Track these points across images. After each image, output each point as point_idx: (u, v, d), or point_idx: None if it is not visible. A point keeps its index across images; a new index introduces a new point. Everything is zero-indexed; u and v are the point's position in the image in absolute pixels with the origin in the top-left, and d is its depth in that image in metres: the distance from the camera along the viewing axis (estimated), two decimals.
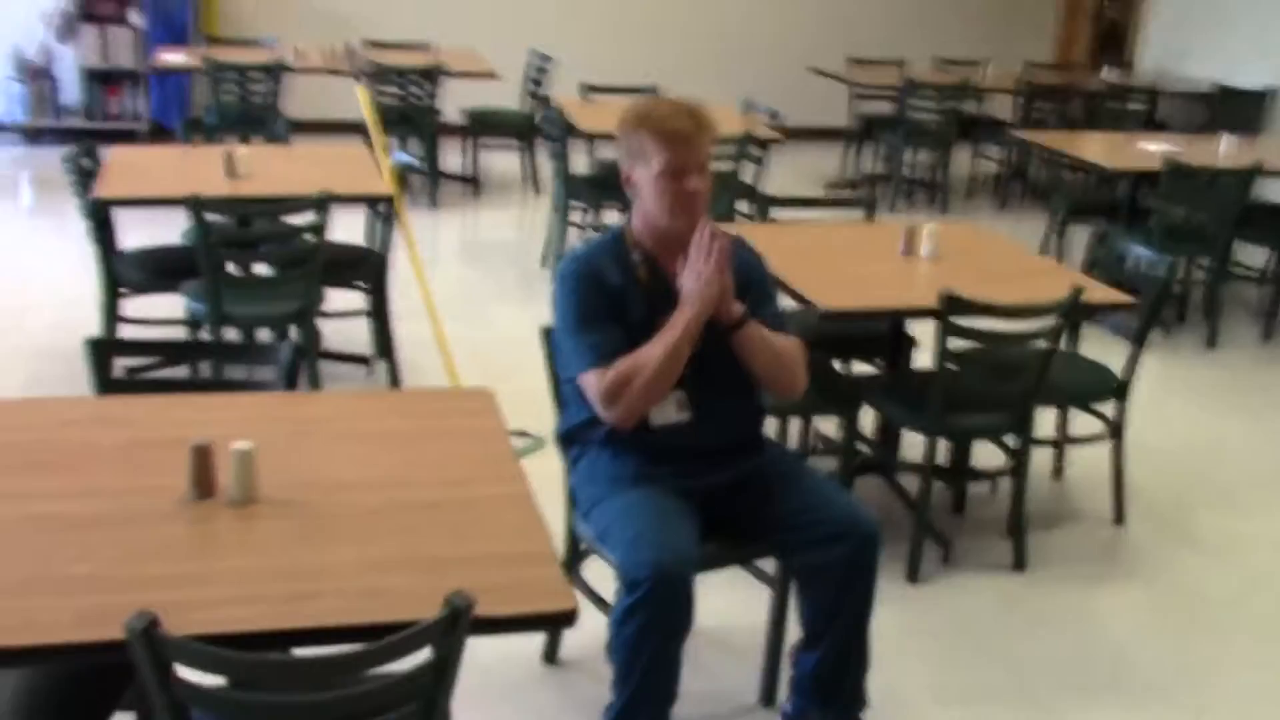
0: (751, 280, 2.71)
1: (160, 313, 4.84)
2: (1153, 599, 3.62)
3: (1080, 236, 5.51)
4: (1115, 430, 4.00)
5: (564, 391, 2.80)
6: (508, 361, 4.99)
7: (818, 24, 9.88)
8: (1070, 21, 10.73)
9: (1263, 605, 3.63)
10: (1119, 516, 4.05)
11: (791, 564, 2.76)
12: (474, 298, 5.98)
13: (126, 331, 4.57)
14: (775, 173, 7.26)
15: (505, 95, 8.16)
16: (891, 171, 8.30)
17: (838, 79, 8.56)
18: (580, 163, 6.57)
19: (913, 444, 3.98)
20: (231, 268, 4.36)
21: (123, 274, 4.50)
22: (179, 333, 4.55)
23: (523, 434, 4.32)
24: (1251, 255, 6.68)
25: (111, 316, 4.48)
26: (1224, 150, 6.20)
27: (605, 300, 2.62)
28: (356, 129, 7.43)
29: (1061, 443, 4.22)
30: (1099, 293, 3.69)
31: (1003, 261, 4.04)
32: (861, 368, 4.33)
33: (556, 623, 1.93)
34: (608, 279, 2.63)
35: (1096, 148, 6.40)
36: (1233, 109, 8.40)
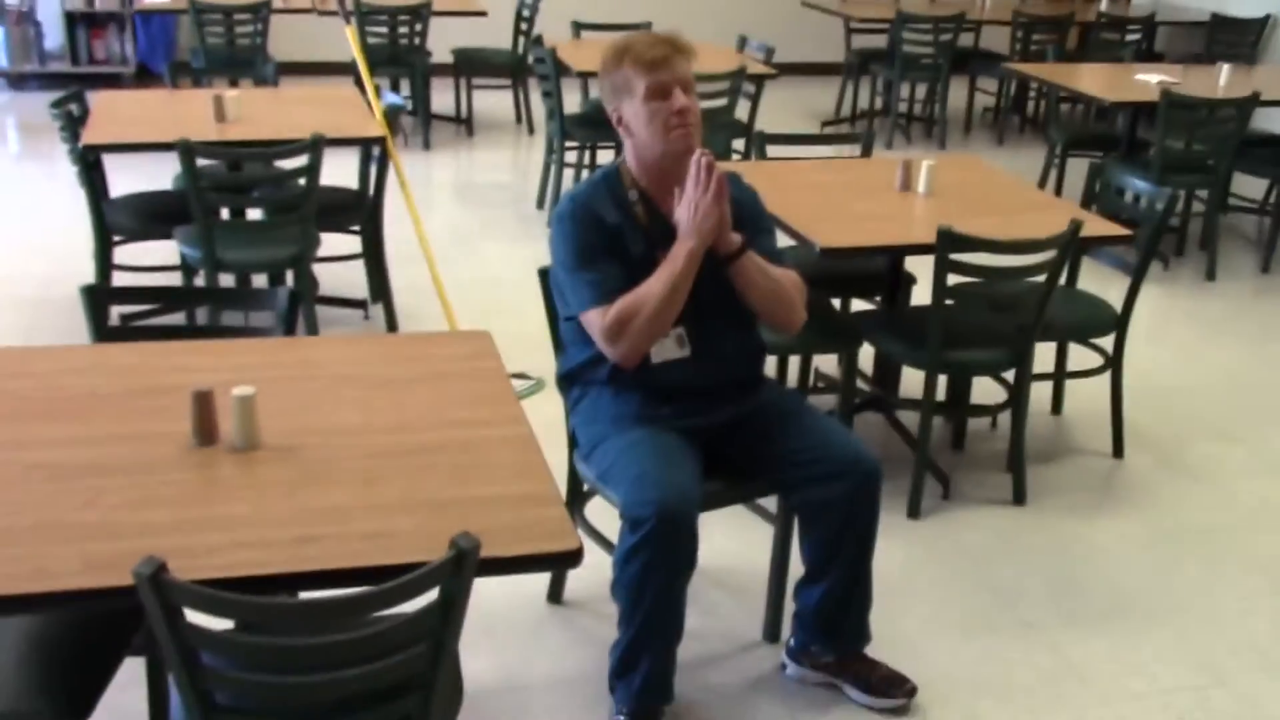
0: (747, 215, 2.69)
1: (154, 259, 4.82)
2: (1148, 530, 3.64)
3: (1079, 169, 5.48)
4: (1113, 364, 4.00)
5: (564, 332, 2.79)
6: (505, 303, 5.00)
7: None
8: None
9: (1253, 534, 3.66)
10: (1118, 450, 4.07)
11: (793, 502, 2.77)
12: (470, 239, 5.96)
13: (121, 279, 4.55)
14: (771, 110, 7.21)
15: (496, 34, 8.07)
16: (888, 106, 8.24)
17: (832, 13, 8.47)
18: (573, 102, 6.51)
19: (912, 380, 3.99)
20: (225, 213, 4.34)
21: (115, 221, 4.46)
22: (174, 279, 4.53)
23: (522, 376, 4.32)
24: (1250, 187, 6.66)
25: (105, 264, 4.45)
26: (1222, 81, 6.15)
27: (603, 239, 2.60)
28: (345, 69, 7.37)
29: (1060, 377, 4.23)
30: (1097, 226, 3.68)
31: (1001, 196, 4.02)
32: (860, 305, 4.32)
33: (561, 563, 1.93)
34: (605, 218, 2.61)
35: (1093, 80, 6.34)
36: (1229, 37, 8.33)
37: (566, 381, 2.82)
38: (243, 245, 4.17)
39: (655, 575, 2.43)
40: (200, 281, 4.19)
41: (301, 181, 4.05)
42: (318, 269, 4.59)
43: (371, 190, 4.71)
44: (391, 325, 4.74)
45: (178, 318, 4.29)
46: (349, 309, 4.89)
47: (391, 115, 4.57)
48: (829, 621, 2.77)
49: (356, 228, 4.76)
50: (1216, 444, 4.23)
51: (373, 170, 4.69)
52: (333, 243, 4.74)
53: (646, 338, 2.55)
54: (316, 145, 3.98)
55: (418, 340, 2.69)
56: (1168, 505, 3.79)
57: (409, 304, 4.89)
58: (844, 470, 2.62)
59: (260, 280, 4.62)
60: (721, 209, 2.51)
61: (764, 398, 2.77)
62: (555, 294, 2.78)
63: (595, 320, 2.55)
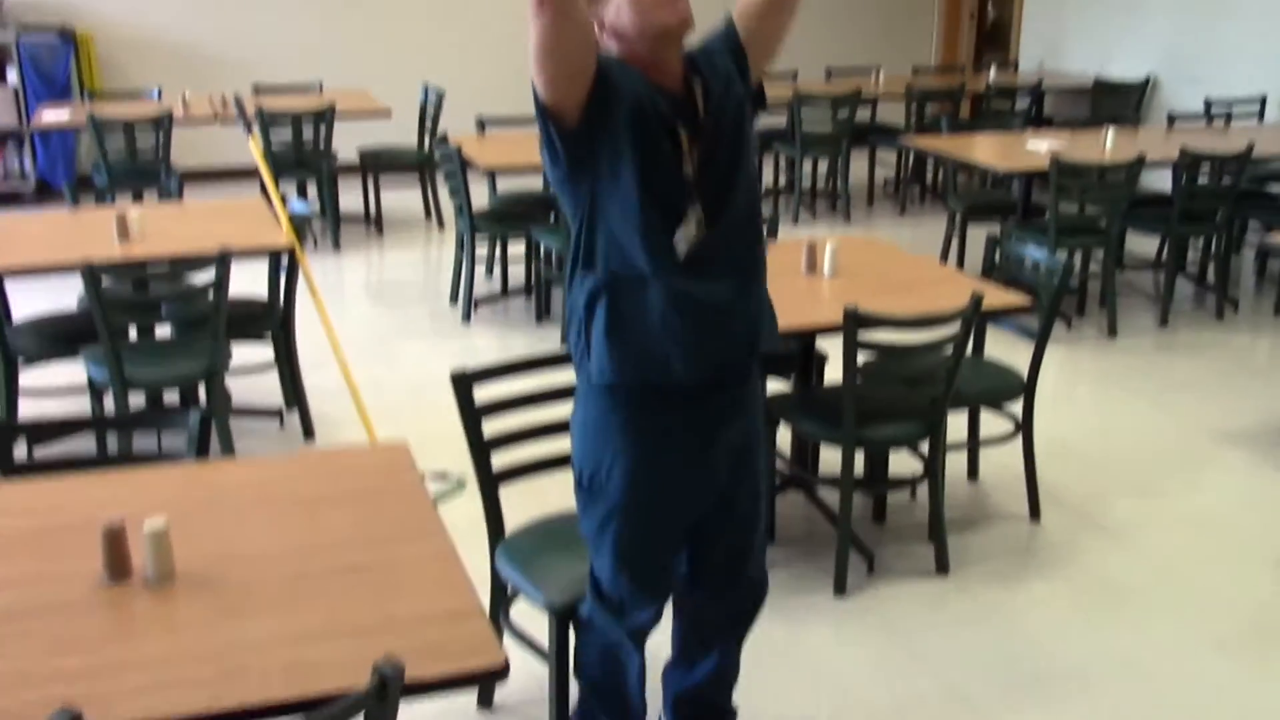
0: (718, 44, 2.44)
1: (61, 380, 4.74)
2: (1071, 591, 3.70)
3: (980, 235, 5.62)
4: (1024, 428, 4.09)
5: (579, 244, 2.38)
6: (423, 401, 4.99)
7: None
8: (952, 23, 10.96)
9: (1175, 589, 3.73)
10: (1034, 512, 4.14)
11: (684, 604, 2.73)
12: (385, 339, 5.94)
13: (27, 405, 4.47)
14: None
15: (401, 132, 8.13)
16: (792, 183, 8.40)
17: None
18: (481, 195, 6.56)
19: (831, 457, 4.03)
20: (133, 331, 4.29)
21: (18, 345, 4.39)
22: (82, 400, 4.46)
23: (441, 475, 4.30)
24: (1143, 244, 6.88)
25: (10, 391, 4.37)
26: (1108, 144, 6.37)
27: (614, 76, 2.26)
28: (251, 174, 7.37)
29: (974, 445, 4.31)
30: (998, 297, 3.78)
31: (903, 272, 4.11)
32: (775, 385, 4.38)
33: (487, 678, 1.92)
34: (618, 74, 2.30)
35: (986, 150, 6.54)
36: (1113, 100, 8.65)
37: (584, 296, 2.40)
38: (152, 363, 4.12)
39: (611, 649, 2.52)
40: (109, 401, 4.12)
41: (210, 296, 4.02)
42: (230, 380, 4.55)
43: (281, 298, 4.69)
44: (308, 432, 4.70)
45: (87, 444, 4.21)
46: (264, 418, 4.84)
47: (298, 223, 4.57)
48: (697, 704, 2.79)
49: (269, 336, 4.73)
50: (1131, 500, 4.32)
51: (282, 278, 4.68)
52: (245, 352, 4.71)
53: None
54: (224, 259, 3.96)
55: (332, 456, 2.67)
56: (1089, 565, 3.86)
57: (325, 408, 4.85)
58: (743, 592, 2.66)
59: (172, 395, 4.57)
60: None
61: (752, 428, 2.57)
62: (563, 202, 2.41)
63: None
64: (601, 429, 2.42)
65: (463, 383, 2.89)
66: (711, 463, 2.47)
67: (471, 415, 2.90)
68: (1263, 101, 7.71)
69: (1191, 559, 3.92)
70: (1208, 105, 7.67)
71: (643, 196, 2.27)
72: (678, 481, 2.46)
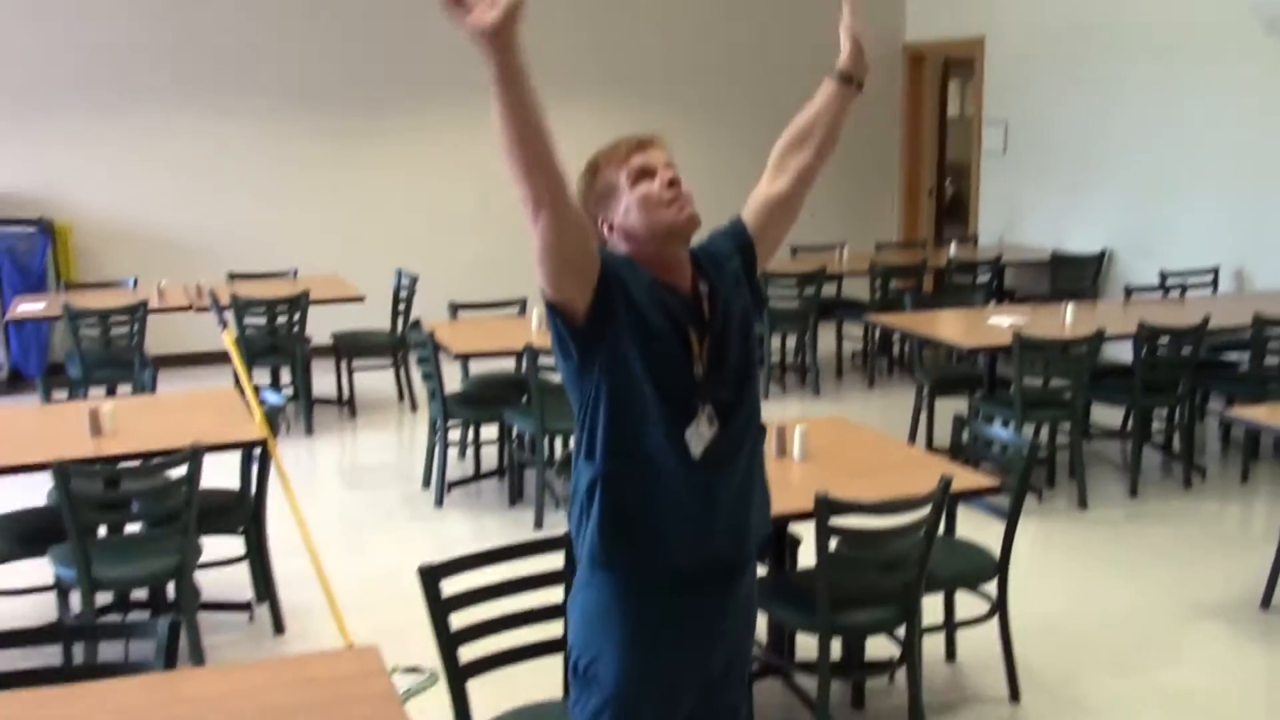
0: (723, 251, 2.53)
1: (25, 580, 4.68)
2: None
3: (949, 408, 5.70)
4: (999, 608, 4.08)
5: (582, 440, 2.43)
6: (396, 589, 4.93)
7: None
8: (912, 199, 11.28)
9: None
10: (1014, 693, 4.10)
11: None
12: (358, 525, 5.91)
13: None
14: None
15: (374, 315, 8.23)
16: (762, 359, 8.51)
17: None
18: (454, 379, 6.62)
19: (807, 642, 4.00)
20: (102, 528, 4.26)
21: None
22: (49, 600, 4.39)
23: (413, 670, 4.24)
24: (1110, 414, 6.97)
25: None
26: (1068, 319, 6.51)
27: (625, 280, 2.33)
28: (225, 358, 7.41)
29: (950, 627, 4.29)
30: (966, 479, 3.82)
31: (872, 455, 4.15)
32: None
33: None
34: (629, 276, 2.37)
35: (950, 326, 6.67)
36: (1070, 273, 8.87)
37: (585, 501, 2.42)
38: (121, 561, 4.08)
39: None
40: (76, 600, 4.07)
41: (182, 491, 4.01)
42: (200, 574, 4.50)
43: (253, 491, 4.68)
44: (278, 627, 4.63)
45: (52, 653, 4.14)
46: (233, 612, 4.78)
47: (271, 415, 4.60)
48: None
49: (240, 528, 4.70)
50: (1110, 677, 4.29)
51: (254, 470, 4.67)
52: (215, 545, 4.67)
53: (532, 169, 2.10)
54: (196, 455, 3.97)
55: (301, 663, 2.64)
56: None
57: (297, 598, 4.79)
58: None
59: (141, 593, 4.51)
60: None
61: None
62: (570, 396, 2.45)
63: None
64: (602, 617, 2.42)
65: (430, 577, 2.88)
66: (710, 656, 2.47)
67: (439, 610, 2.89)
68: (1215, 273, 7.93)
69: None
70: (1163, 277, 7.88)
71: (653, 394, 2.32)
72: (676, 675, 2.45)
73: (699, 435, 2.36)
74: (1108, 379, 6.52)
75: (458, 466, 6.67)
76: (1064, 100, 9.33)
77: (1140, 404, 6.29)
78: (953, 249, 9.26)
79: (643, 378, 2.31)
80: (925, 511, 3.50)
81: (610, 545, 2.37)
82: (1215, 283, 7.93)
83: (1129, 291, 7.70)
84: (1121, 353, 6.88)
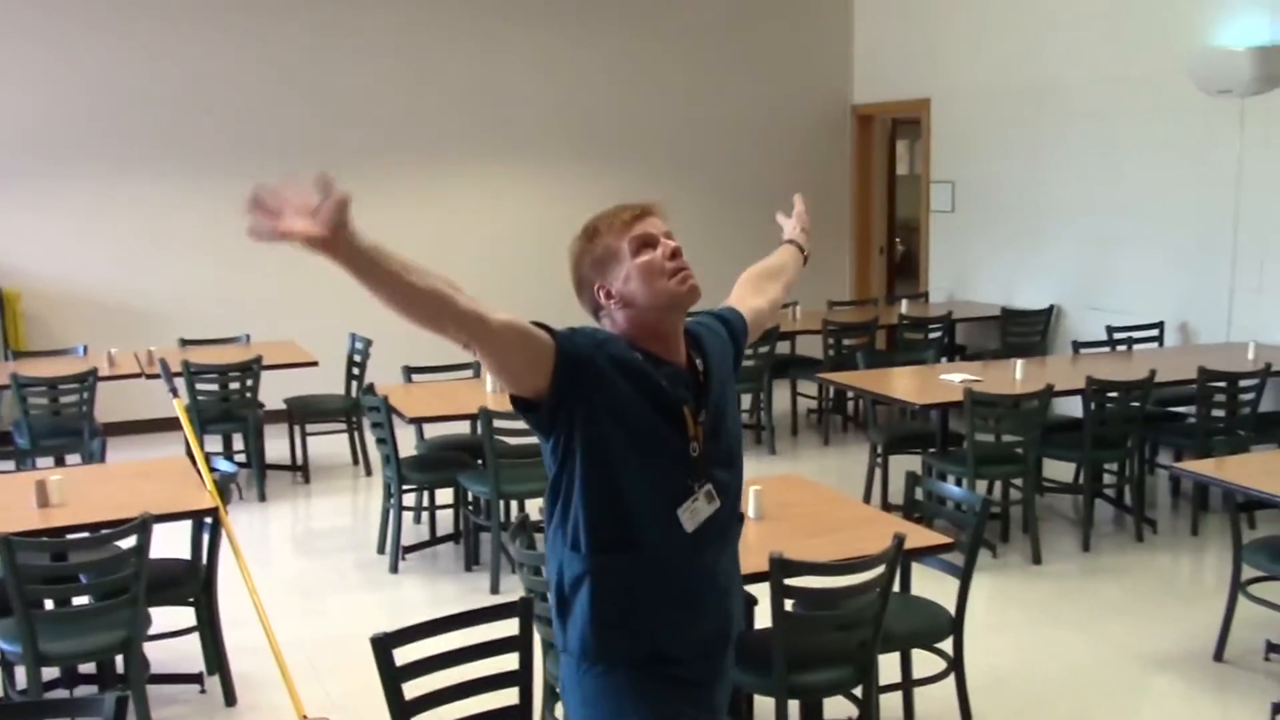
0: (716, 330, 2.60)
1: None
2: None
3: (902, 465, 5.74)
4: (955, 666, 4.09)
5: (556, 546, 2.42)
6: (350, 655, 4.86)
7: None
8: (863, 257, 11.41)
9: None
10: None
11: None
12: (311, 592, 5.84)
13: None
14: None
15: (328, 379, 8.18)
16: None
17: None
18: (408, 443, 6.59)
19: (764, 705, 3.98)
20: (49, 602, 4.18)
21: None
22: None
23: None
24: (1061, 469, 7.04)
25: None
26: (1018, 375, 6.59)
27: (613, 361, 2.33)
28: (177, 424, 7.34)
29: (907, 685, 4.28)
30: (920, 537, 3.84)
31: (826, 514, 4.17)
32: None
33: None
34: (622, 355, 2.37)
35: (903, 384, 6.73)
36: (1020, 328, 8.98)
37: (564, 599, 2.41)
38: (68, 635, 4.01)
39: None
40: (21, 676, 3.99)
41: (131, 563, 3.96)
42: (150, 646, 4.43)
43: (204, 560, 4.62)
44: (230, 698, 4.56)
45: None
46: (184, 685, 4.70)
47: (222, 484, 4.55)
48: None
49: (191, 599, 4.64)
50: None
51: (205, 540, 4.62)
52: (165, 617, 4.61)
53: (438, 322, 2.16)
54: (145, 525, 3.92)
55: None
56: None
57: (249, 668, 4.72)
58: None
59: (89, 666, 4.42)
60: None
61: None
62: (550, 478, 2.41)
63: None
64: (610, 708, 2.38)
65: (382, 646, 2.86)
66: None
67: (391, 679, 2.87)
68: (1160, 327, 8.06)
69: None
70: (1109, 331, 8.00)
71: (643, 474, 2.32)
72: None
73: (694, 512, 2.36)
74: (1058, 433, 6.59)
75: (413, 531, 6.62)
76: (1009, 159, 9.50)
77: (1091, 458, 6.36)
78: (904, 306, 9.36)
79: (628, 457, 2.30)
80: (880, 570, 3.51)
81: (605, 640, 2.36)
82: (1160, 336, 8.06)
83: (1077, 346, 7.81)
84: (1071, 407, 6.96)
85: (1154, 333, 8.07)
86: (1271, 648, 4.86)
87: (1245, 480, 4.57)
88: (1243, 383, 6.47)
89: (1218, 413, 6.54)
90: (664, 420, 2.34)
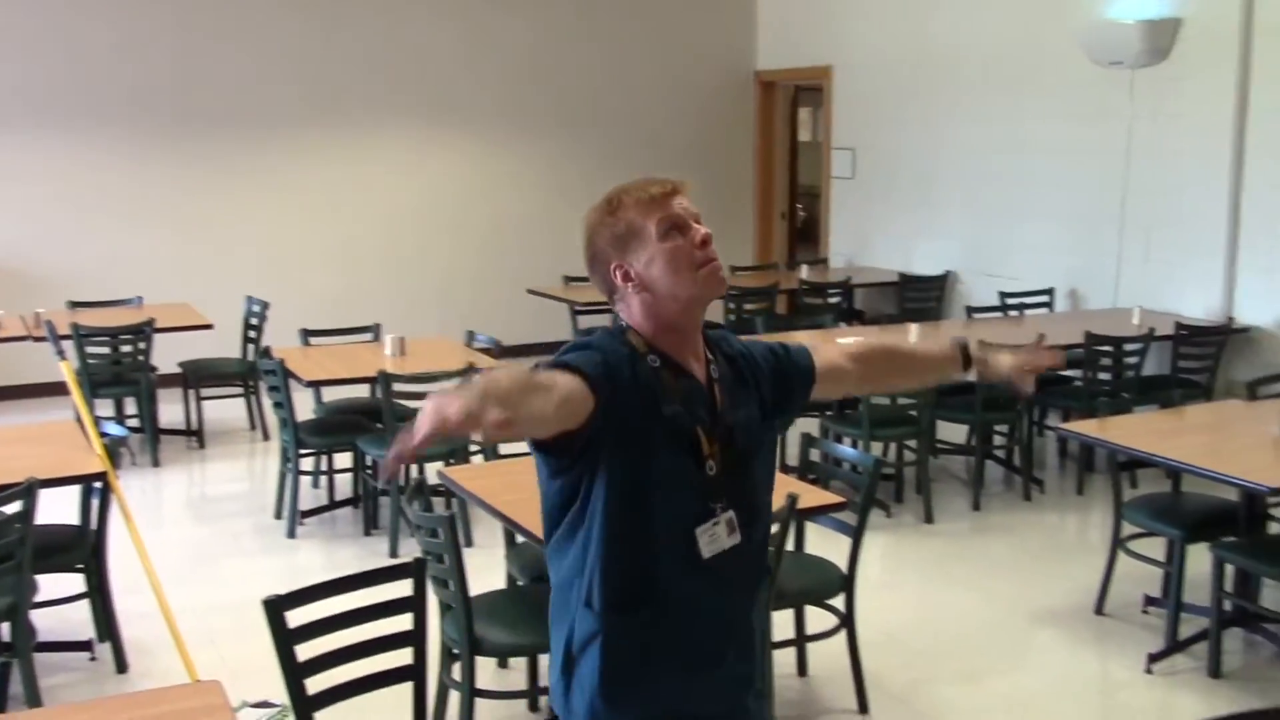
0: (761, 362, 2.32)
1: None
2: None
3: (801, 426, 5.83)
4: (847, 622, 4.18)
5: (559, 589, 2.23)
6: (248, 622, 4.81)
7: (534, 249, 10.23)
8: (766, 223, 11.50)
9: None
10: (862, 705, 4.20)
11: None
12: (206, 557, 5.77)
13: None
14: None
15: (223, 342, 8.05)
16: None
17: (556, 298, 8.86)
18: (306, 407, 6.52)
19: None
20: None
21: None
22: None
23: (264, 704, 4.17)
24: (954, 431, 7.20)
25: None
26: (913, 339, 6.70)
27: (620, 384, 2.08)
28: (65, 390, 7.18)
29: (800, 641, 4.37)
30: (814, 496, 3.91)
31: None
32: None
33: None
34: (629, 374, 2.13)
35: None
36: (916, 294, 9.15)
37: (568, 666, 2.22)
38: None
39: None
40: None
41: (15, 529, 3.87)
42: (37, 613, 4.34)
43: (94, 525, 4.53)
44: (121, 666, 4.49)
45: None
46: (74, 652, 4.61)
47: (113, 449, 4.47)
48: None
49: (80, 565, 4.55)
50: (955, 686, 4.43)
51: (94, 504, 4.53)
52: (53, 584, 4.52)
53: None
54: (30, 490, 3.83)
55: (141, 700, 2.57)
56: None
57: (141, 635, 4.65)
58: None
59: None
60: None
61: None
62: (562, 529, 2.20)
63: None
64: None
65: (274, 608, 2.84)
66: None
67: (284, 641, 2.85)
68: (1050, 293, 8.27)
69: None
70: (1002, 298, 8.18)
71: (666, 498, 2.12)
72: None
73: (714, 536, 2.16)
74: (952, 397, 6.73)
75: (311, 496, 6.56)
76: (908, 127, 9.64)
77: (982, 420, 6.52)
78: (805, 271, 9.46)
79: (647, 481, 2.10)
80: (774, 528, 3.57)
81: (616, 701, 2.16)
82: (1051, 303, 8.26)
83: (971, 311, 7.97)
84: None
85: (1044, 299, 8.27)
86: (1149, 601, 5.04)
87: (1126, 440, 4.73)
88: (1127, 346, 6.67)
89: (1104, 376, 6.73)
90: (678, 441, 2.14)
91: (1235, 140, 7.13)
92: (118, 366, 7.14)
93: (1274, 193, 6.99)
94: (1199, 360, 6.92)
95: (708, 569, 2.15)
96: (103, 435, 4.53)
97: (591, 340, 2.16)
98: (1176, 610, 4.68)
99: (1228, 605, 4.60)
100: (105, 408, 7.47)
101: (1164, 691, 4.41)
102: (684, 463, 2.13)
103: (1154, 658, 4.55)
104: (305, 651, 2.89)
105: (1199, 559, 4.67)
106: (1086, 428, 5.10)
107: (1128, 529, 4.97)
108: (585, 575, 2.13)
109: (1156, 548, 4.97)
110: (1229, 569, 4.55)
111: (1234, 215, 7.20)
